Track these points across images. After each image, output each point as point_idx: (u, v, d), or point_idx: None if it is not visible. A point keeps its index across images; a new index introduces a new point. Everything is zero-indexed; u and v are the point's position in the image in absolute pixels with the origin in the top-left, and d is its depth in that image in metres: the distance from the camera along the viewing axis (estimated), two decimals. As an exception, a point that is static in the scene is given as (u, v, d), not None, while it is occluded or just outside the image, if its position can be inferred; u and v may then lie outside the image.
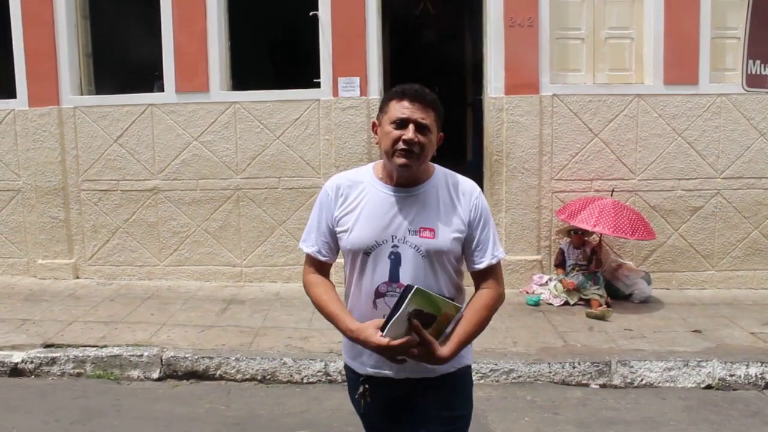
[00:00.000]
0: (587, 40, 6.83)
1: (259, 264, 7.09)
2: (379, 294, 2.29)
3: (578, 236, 6.39)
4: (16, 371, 5.11)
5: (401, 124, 2.24)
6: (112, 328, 5.71)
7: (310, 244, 2.42)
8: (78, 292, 6.79)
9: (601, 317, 5.86)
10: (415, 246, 2.26)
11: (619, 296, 6.38)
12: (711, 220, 6.79)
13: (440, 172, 2.39)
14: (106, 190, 7.16)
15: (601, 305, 6.04)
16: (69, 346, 5.30)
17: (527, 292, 6.52)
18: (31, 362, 5.14)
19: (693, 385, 4.84)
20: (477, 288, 2.40)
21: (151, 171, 7.08)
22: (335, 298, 2.36)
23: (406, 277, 2.25)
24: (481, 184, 7.01)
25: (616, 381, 4.89)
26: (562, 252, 6.53)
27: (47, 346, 5.33)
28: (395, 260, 2.27)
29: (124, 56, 8.40)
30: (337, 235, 2.36)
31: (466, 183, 2.39)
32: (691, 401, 4.61)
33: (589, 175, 6.74)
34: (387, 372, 2.34)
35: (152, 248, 7.19)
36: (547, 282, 6.56)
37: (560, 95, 6.69)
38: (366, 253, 2.29)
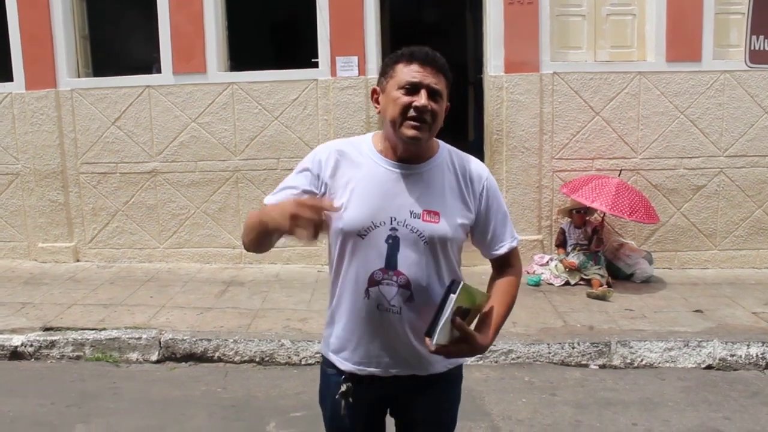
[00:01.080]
0: (588, 17, 6.73)
1: (259, 246, 7.04)
2: (373, 282, 2.04)
3: (580, 215, 6.34)
4: (15, 354, 5.11)
5: (412, 89, 1.98)
6: (111, 310, 5.70)
7: (275, 198, 2.06)
8: (78, 275, 6.79)
9: (602, 297, 5.82)
10: (417, 231, 2.02)
11: (620, 276, 6.34)
12: (714, 199, 6.72)
13: (445, 149, 2.16)
14: (105, 173, 7.13)
15: (602, 285, 6.00)
16: (68, 329, 5.30)
17: (528, 272, 6.48)
18: (31, 345, 5.14)
19: (693, 366, 4.81)
20: (497, 272, 2.23)
21: (150, 153, 7.05)
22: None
23: (404, 264, 2.02)
24: (481, 163, 6.99)
25: (616, 361, 4.86)
26: (563, 231, 6.48)
27: (47, 329, 5.33)
28: (393, 245, 2.02)
29: (121, 38, 8.34)
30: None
31: (474, 164, 2.16)
32: (691, 382, 4.58)
33: (590, 154, 6.67)
34: (373, 369, 2.12)
35: (152, 231, 7.17)
36: (548, 262, 6.52)
37: (561, 73, 6.61)
38: (360, 235, 2.03)
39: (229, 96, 6.90)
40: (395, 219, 2.02)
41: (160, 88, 6.97)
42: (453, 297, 1.89)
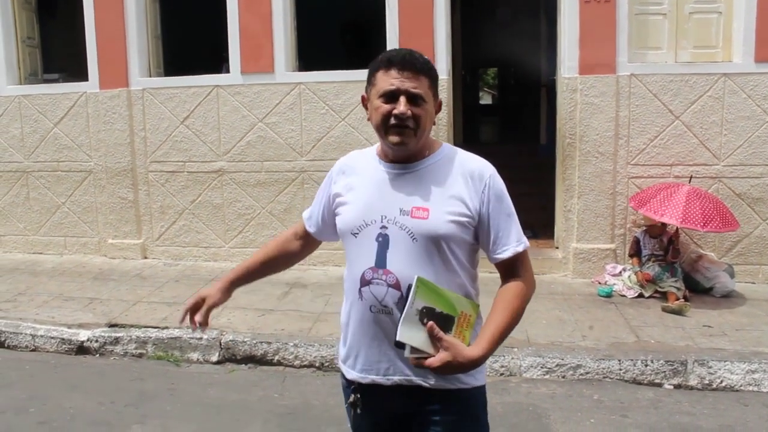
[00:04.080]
0: (669, 15, 6.39)
1: (324, 247, 6.84)
2: (364, 281, 1.99)
3: (656, 224, 6.02)
4: (82, 349, 5.20)
5: (391, 96, 1.96)
6: (174, 309, 5.73)
7: (308, 212, 2.33)
8: (145, 272, 6.87)
9: (678, 312, 5.50)
10: (406, 228, 1.96)
11: (698, 290, 5.99)
12: (804, 209, 6.29)
13: (447, 148, 2.10)
14: (173, 172, 7.21)
15: (678, 299, 5.67)
16: (132, 326, 5.36)
17: (599, 283, 6.21)
18: (96, 341, 5.22)
19: (779, 390, 4.47)
20: (502, 281, 2.08)
21: (217, 152, 7.08)
22: (257, 257, 2.40)
23: (394, 263, 1.96)
24: (553, 168, 6.75)
25: (693, 382, 4.56)
26: (637, 241, 6.17)
27: (112, 325, 5.41)
28: (383, 243, 1.98)
29: (192, 38, 8.45)
30: (336, 215, 2.14)
31: (476, 162, 2.06)
32: (776, 408, 4.25)
33: (668, 161, 6.34)
34: (374, 377, 2.04)
35: (217, 230, 7.21)
36: (620, 272, 6.22)
37: (638, 75, 6.30)
38: (353, 234, 2.03)
39: (297, 96, 6.87)
40: (385, 217, 1.99)
41: (228, 88, 7.00)
42: (412, 290, 1.82)
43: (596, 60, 6.32)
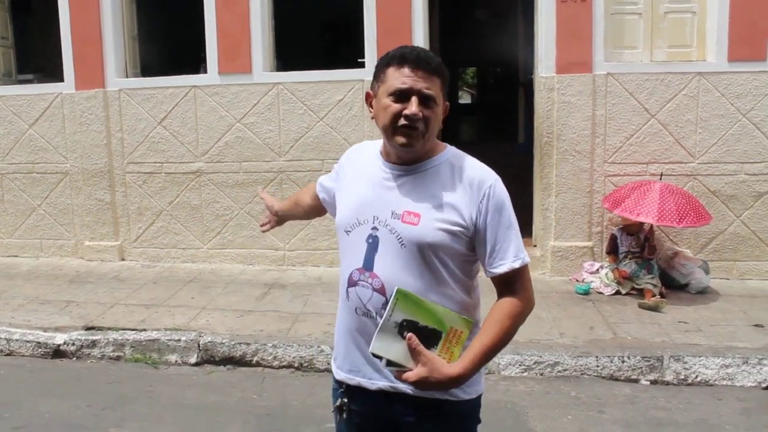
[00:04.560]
0: (645, 15, 6.45)
1: (302, 248, 6.99)
2: (351, 282, 1.94)
3: (633, 222, 6.07)
4: (58, 353, 5.15)
5: (402, 96, 1.87)
6: (152, 311, 5.70)
7: (322, 181, 2.37)
8: (122, 275, 6.82)
9: (655, 308, 5.55)
10: (396, 232, 1.89)
11: (674, 286, 6.05)
12: (777, 206, 6.37)
13: (450, 152, 2.01)
14: (151, 173, 7.16)
15: (654, 295, 5.72)
16: (109, 329, 5.31)
17: (577, 281, 6.26)
18: (73, 344, 5.17)
19: (753, 385, 4.52)
20: (498, 296, 1.99)
21: (195, 153, 7.04)
22: (295, 196, 2.61)
23: (380, 267, 1.89)
24: (531, 167, 6.78)
25: (669, 377, 4.61)
26: (614, 238, 6.22)
27: (89, 328, 5.36)
28: (372, 245, 1.92)
29: (169, 38, 8.39)
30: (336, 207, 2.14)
31: (477, 170, 1.96)
32: (750, 402, 4.29)
33: (644, 158, 6.40)
34: (360, 379, 1.99)
35: (195, 231, 7.17)
36: (598, 270, 6.27)
37: (615, 74, 6.35)
38: (346, 231, 1.98)
39: (275, 96, 6.85)
40: (377, 218, 1.93)
41: (205, 88, 6.96)
42: (390, 302, 1.77)
43: (573, 59, 6.35)
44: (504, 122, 11.22)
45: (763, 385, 4.51)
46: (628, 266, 5.99)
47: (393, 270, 1.89)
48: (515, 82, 10.15)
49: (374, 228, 1.93)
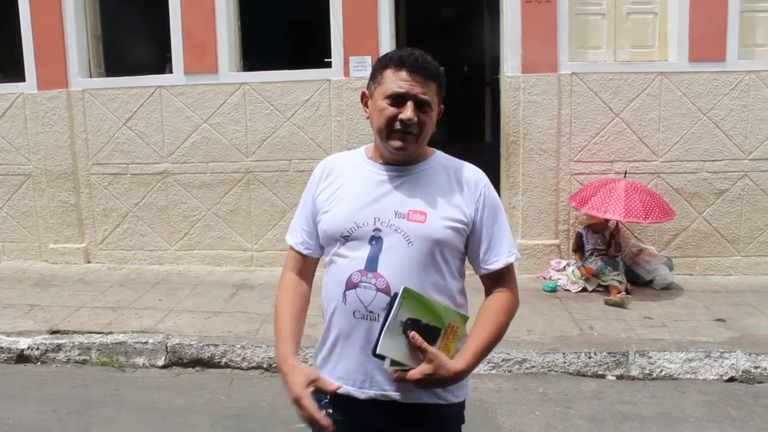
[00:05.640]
0: (608, 15, 6.55)
1: (270, 248, 6.96)
2: (350, 284, 1.91)
3: (599, 220, 6.16)
4: (22, 358, 5.06)
5: (398, 99, 1.89)
6: (119, 314, 5.63)
7: (295, 234, 2.13)
8: (88, 277, 6.73)
9: (620, 304, 5.65)
10: (402, 231, 1.90)
11: (639, 282, 6.16)
12: (737, 203, 6.50)
13: (440, 155, 2.07)
14: (116, 174, 7.07)
15: (620, 292, 5.82)
16: (75, 332, 5.24)
17: (544, 278, 6.33)
18: (37, 349, 5.08)
19: (715, 378, 4.62)
20: (488, 293, 2.03)
21: (161, 154, 6.97)
22: (293, 315, 2.06)
23: (386, 266, 1.88)
24: (497, 165, 6.84)
25: (634, 372, 4.69)
26: (580, 236, 6.31)
27: (54, 332, 5.27)
28: (376, 246, 1.90)
29: (134, 38, 8.27)
30: (317, 220, 2.04)
31: (471, 170, 2.04)
32: (712, 395, 4.39)
33: (609, 157, 6.49)
34: (350, 388, 1.96)
35: (162, 232, 7.10)
36: (564, 267, 6.35)
37: (579, 74, 6.43)
38: (343, 236, 1.94)
39: (241, 96, 6.81)
40: (379, 219, 1.92)
41: (171, 89, 6.89)
42: (397, 301, 1.77)
43: (538, 59, 6.42)
44: (472, 122, 11.29)
45: (725, 378, 4.62)
46: (594, 263, 6.07)
47: (398, 268, 1.89)
48: (482, 81, 10.20)
49: (376, 229, 1.92)
